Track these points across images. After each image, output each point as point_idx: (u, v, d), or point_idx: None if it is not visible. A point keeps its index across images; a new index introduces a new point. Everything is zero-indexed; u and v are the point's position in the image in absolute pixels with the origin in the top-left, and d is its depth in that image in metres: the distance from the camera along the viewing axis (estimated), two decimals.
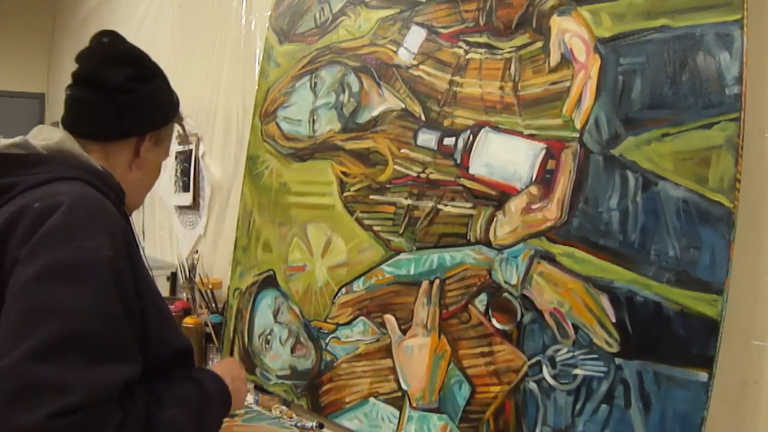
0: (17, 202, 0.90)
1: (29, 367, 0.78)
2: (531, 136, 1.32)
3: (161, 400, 0.92)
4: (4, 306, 0.83)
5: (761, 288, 1.06)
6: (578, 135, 1.24)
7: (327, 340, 1.69)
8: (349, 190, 1.69)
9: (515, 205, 1.33)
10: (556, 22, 1.31)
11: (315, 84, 1.85)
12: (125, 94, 1.07)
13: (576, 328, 1.20)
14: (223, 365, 1.15)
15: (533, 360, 1.26)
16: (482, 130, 1.41)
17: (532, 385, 1.26)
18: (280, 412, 1.74)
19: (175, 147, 2.65)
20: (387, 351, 1.54)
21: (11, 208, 0.90)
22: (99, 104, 1.07)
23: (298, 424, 1.66)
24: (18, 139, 0.99)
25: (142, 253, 1.05)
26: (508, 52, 1.38)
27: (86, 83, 1.07)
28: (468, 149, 1.42)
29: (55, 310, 0.81)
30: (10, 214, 0.88)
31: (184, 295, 2.37)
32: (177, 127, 1.21)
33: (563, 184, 1.25)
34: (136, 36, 3.45)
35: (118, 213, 0.96)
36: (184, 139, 1.25)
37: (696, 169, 1.08)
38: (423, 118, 1.53)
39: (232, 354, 1.98)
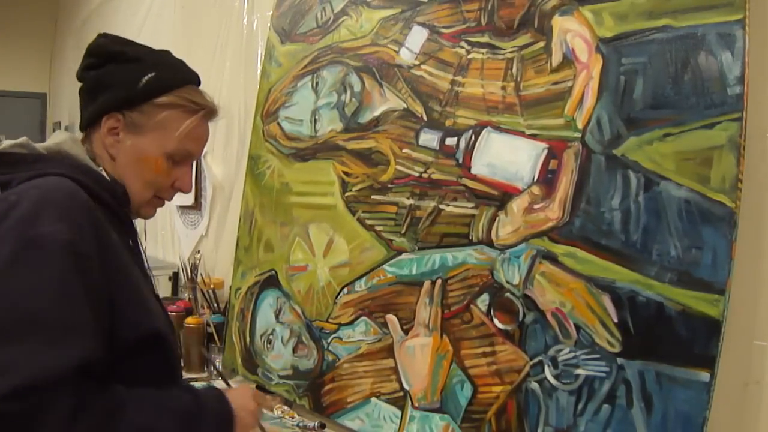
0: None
1: None
2: (533, 136, 1.32)
3: (140, 404, 0.89)
4: None
5: (763, 288, 1.06)
6: (580, 135, 1.24)
7: (329, 340, 1.69)
8: (350, 190, 1.69)
9: (517, 205, 1.33)
10: (558, 22, 1.31)
11: (317, 84, 1.85)
12: (83, 84, 1.11)
13: (578, 328, 1.20)
14: (236, 391, 1.11)
15: (535, 360, 1.26)
16: (484, 130, 1.41)
17: (534, 385, 1.26)
18: (282, 412, 1.74)
19: None
20: (389, 351, 1.54)
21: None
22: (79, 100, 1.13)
23: (300, 424, 1.66)
24: (21, 139, 1.03)
25: (139, 247, 1.12)
26: (510, 52, 1.38)
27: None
28: (470, 149, 1.42)
29: (1, 293, 0.82)
30: None
31: (186, 295, 2.37)
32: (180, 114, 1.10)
33: (565, 184, 1.25)
34: (137, 36, 3.44)
35: (90, 204, 0.95)
36: (199, 109, 1.14)
37: (698, 169, 1.08)
38: (425, 118, 1.53)
39: (233, 354, 1.98)
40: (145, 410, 0.89)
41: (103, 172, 1.06)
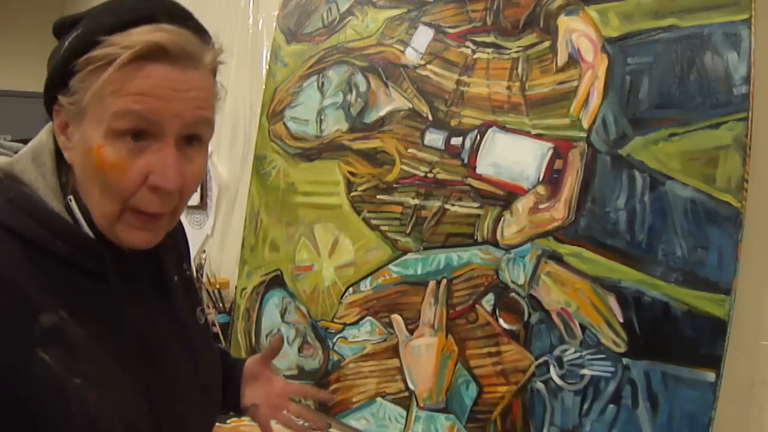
0: None
1: None
2: (538, 136, 1.32)
3: None
4: None
5: None
6: (585, 135, 1.24)
7: (334, 340, 1.69)
8: (356, 190, 1.70)
9: (522, 204, 1.33)
10: (564, 21, 1.31)
11: (322, 84, 1.86)
12: None
13: (583, 328, 1.21)
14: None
15: (540, 360, 1.26)
16: (489, 130, 1.41)
17: (540, 385, 1.26)
18: (287, 411, 1.74)
19: None
20: (394, 351, 1.54)
21: None
22: None
23: (305, 424, 1.66)
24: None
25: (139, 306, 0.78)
26: (516, 52, 1.38)
27: None
28: (475, 149, 1.43)
29: None
30: None
31: None
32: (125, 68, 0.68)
33: (570, 184, 1.25)
34: None
35: (12, 273, 0.66)
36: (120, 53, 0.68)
37: (703, 169, 1.08)
38: (430, 117, 1.54)
39: (238, 353, 1.99)
40: None
41: (73, 205, 0.73)
